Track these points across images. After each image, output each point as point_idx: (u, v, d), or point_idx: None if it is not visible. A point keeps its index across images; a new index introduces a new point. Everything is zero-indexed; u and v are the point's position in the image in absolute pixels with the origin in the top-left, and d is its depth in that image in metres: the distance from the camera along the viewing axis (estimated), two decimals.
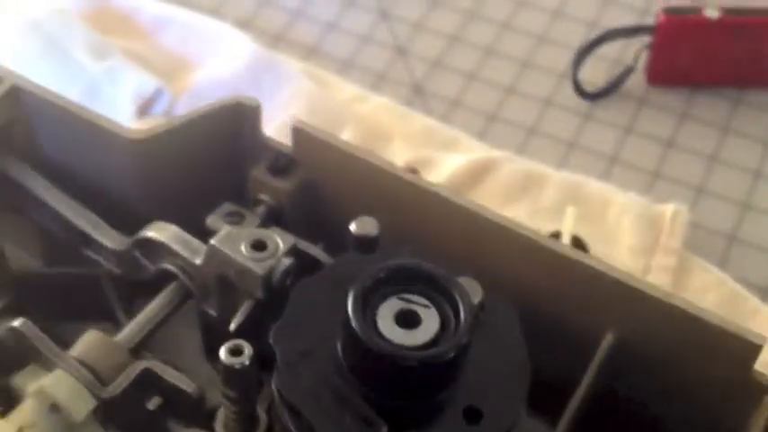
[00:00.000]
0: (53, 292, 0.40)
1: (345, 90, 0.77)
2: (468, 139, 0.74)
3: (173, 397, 0.38)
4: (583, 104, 0.76)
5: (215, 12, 0.83)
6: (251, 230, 0.39)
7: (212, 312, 0.41)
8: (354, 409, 0.34)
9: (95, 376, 0.37)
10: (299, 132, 0.43)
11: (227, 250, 0.38)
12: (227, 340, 0.37)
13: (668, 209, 0.68)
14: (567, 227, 0.64)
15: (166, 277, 0.42)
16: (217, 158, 0.45)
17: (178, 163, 0.44)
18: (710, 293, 0.64)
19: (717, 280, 0.65)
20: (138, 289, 0.44)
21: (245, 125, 0.44)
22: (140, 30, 0.83)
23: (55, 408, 0.36)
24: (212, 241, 0.39)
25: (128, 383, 0.37)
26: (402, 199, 0.41)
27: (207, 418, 0.41)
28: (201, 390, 0.37)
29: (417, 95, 0.78)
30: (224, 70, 0.78)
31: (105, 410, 0.37)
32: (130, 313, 0.43)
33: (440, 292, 0.35)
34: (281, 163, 0.44)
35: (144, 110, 0.73)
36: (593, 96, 0.76)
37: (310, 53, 0.81)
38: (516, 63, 0.79)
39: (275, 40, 0.82)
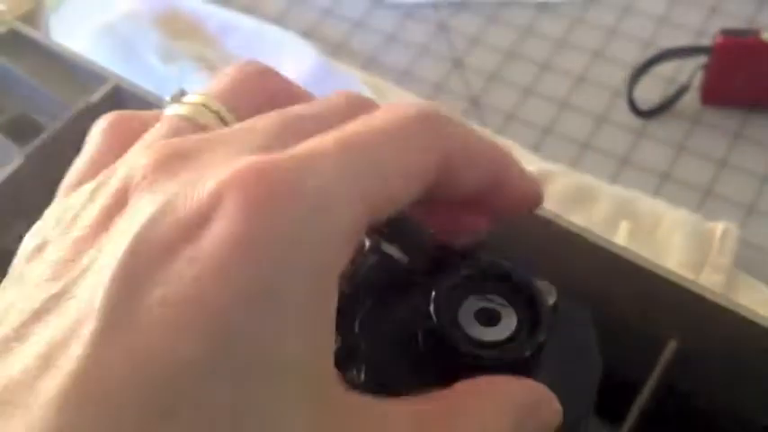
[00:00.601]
0: None
1: (404, 100, 0.80)
2: (523, 151, 0.76)
3: None
4: (636, 121, 0.78)
5: (279, 20, 0.86)
6: None
7: None
8: None
9: None
10: None
11: None
12: None
13: (718, 227, 0.70)
14: (621, 241, 0.66)
15: None
16: None
17: None
18: (758, 311, 0.65)
19: (765, 298, 0.66)
20: None
21: None
22: (208, 35, 0.86)
23: None
24: None
25: None
26: None
27: None
28: None
29: (473, 107, 0.80)
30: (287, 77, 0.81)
31: None
32: None
33: (517, 293, 0.37)
34: None
35: None
36: (647, 114, 0.78)
37: (370, 63, 0.84)
38: (572, 78, 0.81)
39: (336, 49, 0.85)
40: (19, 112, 0.48)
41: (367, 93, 0.78)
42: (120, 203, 0.24)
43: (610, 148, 0.77)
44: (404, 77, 0.82)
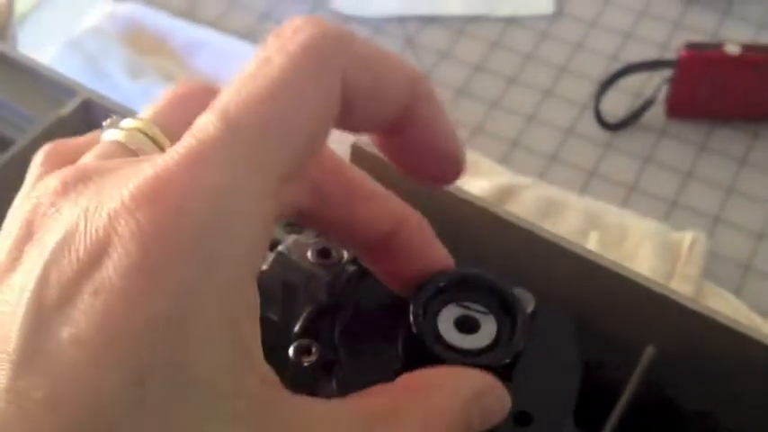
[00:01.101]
0: None
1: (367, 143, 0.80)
2: (490, 163, 0.76)
3: None
4: (604, 134, 0.79)
5: (247, 36, 0.86)
6: (316, 239, 0.41)
7: (274, 317, 0.43)
8: None
9: None
10: (357, 150, 0.46)
11: (294, 257, 0.40)
12: (287, 345, 0.38)
13: (686, 237, 0.70)
14: None
15: None
16: None
17: None
18: None
19: (732, 308, 0.67)
20: None
21: None
22: (174, 52, 0.86)
23: None
24: (280, 248, 0.41)
25: None
26: (454, 215, 0.43)
27: None
28: None
29: None
30: None
31: None
32: None
33: (496, 301, 0.38)
34: None
35: None
36: (614, 127, 0.78)
37: None
38: (539, 92, 0.82)
39: None
40: None
41: None
42: (29, 232, 0.24)
43: (577, 160, 0.77)
44: None
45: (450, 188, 0.44)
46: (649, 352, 0.41)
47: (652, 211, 0.73)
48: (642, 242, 0.71)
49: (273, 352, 0.43)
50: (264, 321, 0.44)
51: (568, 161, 0.77)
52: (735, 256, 0.72)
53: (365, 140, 0.47)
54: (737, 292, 0.69)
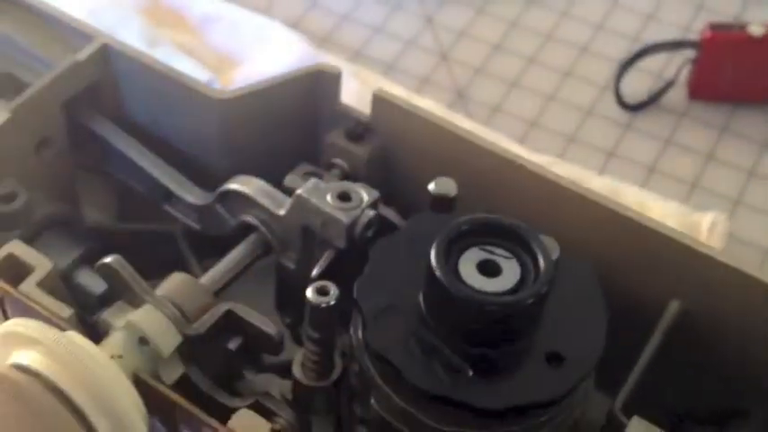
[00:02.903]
0: (126, 248, 0.41)
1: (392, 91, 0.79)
2: (509, 142, 0.75)
3: (252, 339, 0.39)
4: (624, 115, 0.77)
5: (265, 12, 0.85)
6: (337, 183, 0.40)
7: (290, 265, 0.42)
8: (440, 356, 0.35)
9: (181, 314, 0.38)
10: (379, 100, 0.45)
11: (314, 199, 0.39)
12: (302, 293, 0.38)
13: (707, 217, 0.69)
14: None
15: (242, 234, 0.43)
16: (295, 122, 0.46)
17: (259, 124, 0.46)
18: None
19: None
20: (210, 247, 0.45)
21: (326, 92, 0.46)
22: (190, 24, 0.85)
23: (143, 341, 0.37)
24: (299, 191, 0.40)
25: (212, 322, 0.38)
26: (479, 165, 0.42)
27: (277, 370, 0.42)
28: (281, 333, 0.38)
29: (460, 100, 0.79)
30: (272, 67, 0.80)
31: (188, 348, 0.38)
32: (204, 268, 0.44)
33: (520, 246, 0.37)
34: (359, 130, 0.45)
35: None
36: (634, 108, 0.77)
37: (356, 56, 0.83)
38: (558, 72, 0.81)
39: (322, 41, 0.84)
40: (4, 71, 0.47)
41: (354, 85, 0.77)
42: None
43: (597, 141, 0.76)
44: (390, 70, 0.82)
45: (475, 139, 0.43)
46: (674, 307, 0.40)
47: (672, 193, 0.72)
48: (662, 222, 0.70)
49: (290, 300, 0.42)
50: (281, 268, 0.44)
51: (588, 142, 0.76)
52: (755, 239, 0.71)
53: (383, 84, 0.46)
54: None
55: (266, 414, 0.37)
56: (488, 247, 0.37)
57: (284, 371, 0.40)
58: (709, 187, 0.73)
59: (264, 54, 0.81)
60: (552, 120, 0.78)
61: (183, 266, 0.45)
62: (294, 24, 0.84)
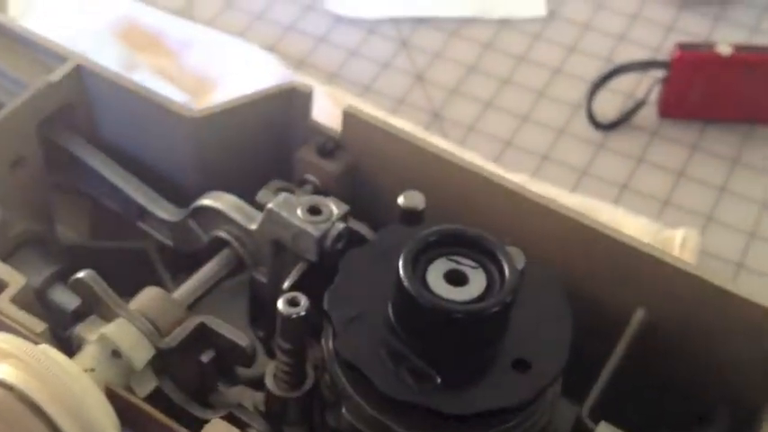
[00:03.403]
0: (100, 266, 0.42)
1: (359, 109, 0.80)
2: (484, 161, 0.76)
3: (225, 352, 0.39)
4: (596, 134, 0.78)
5: (241, 35, 0.86)
6: (307, 197, 0.41)
7: (262, 279, 0.43)
8: (409, 364, 0.36)
9: (154, 328, 0.38)
10: (349, 116, 0.46)
11: (284, 213, 0.40)
12: (274, 306, 0.38)
13: (678, 233, 0.70)
14: None
15: (215, 249, 0.44)
16: (268, 139, 0.47)
17: (232, 141, 0.46)
18: None
19: None
20: (183, 263, 0.46)
21: (297, 109, 0.46)
22: (167, 48, 0.86)
23: (116, 354, 0.38)
24: (270, 205, 0.41)
25: (185, 335, 0.39)
26: (446, 178, 0.43)
27: (250, 382, 0.42)
28: (253, 344, 0.39)
29: (435, 121, 0.80)
30: (249, 89, 0.80)
31: (161, 361, 0.39)
32: (177, 284, 0.44)
33: (486, 256, 0.38)
34: (329, 146, 0.46)
35: None
36: (606, 127, 0.78)
37: (332, 78, 0.84)
38: (532, 93, 0.82)
39: (299, 64, 0.85)
40: None
41: (329, 107, 0.78)
42: None
43: (570, 159, 0.77)
44: (366, 92, 0.82)
45: (444, 154, 0.44)
46: (639, 315, 0.41)
47: (644, 211, 0.73)
48: (627, 233, 0.71)
49: (263, 313, 0.43)
50: (254, 282, 0.44)
51: (561, 161, 0.77)
52: (727, 255, 0.71)
53: (358, 104, 0.47)
54: None
55: (240, 425, 0.37)
56: (455, 257, 0.37)
57: (257, 383, 0.41)
58: (681, 204, 0.74)
59: (241, 77, 0.82)
60: (526, 139, 0.79)
61: (156, 283, 0.45)
62: (270, 48, 0.85)
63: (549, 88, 0.82)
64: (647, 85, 0.78)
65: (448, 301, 0.36)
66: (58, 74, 0.46)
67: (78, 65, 0.46)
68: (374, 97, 0.82)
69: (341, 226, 0.40)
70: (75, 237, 0.49)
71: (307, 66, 0.85)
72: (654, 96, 0.78)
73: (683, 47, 0.76)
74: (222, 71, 0.84)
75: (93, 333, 0.38)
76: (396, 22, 0.87)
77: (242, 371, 0.41)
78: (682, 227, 0.71)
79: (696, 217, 0.73)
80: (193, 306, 0.41)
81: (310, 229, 0.40)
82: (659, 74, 0.77)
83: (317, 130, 0.47)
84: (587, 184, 0.76)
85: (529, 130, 0.80)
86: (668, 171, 0.76)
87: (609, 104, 0.79)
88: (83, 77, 0.47)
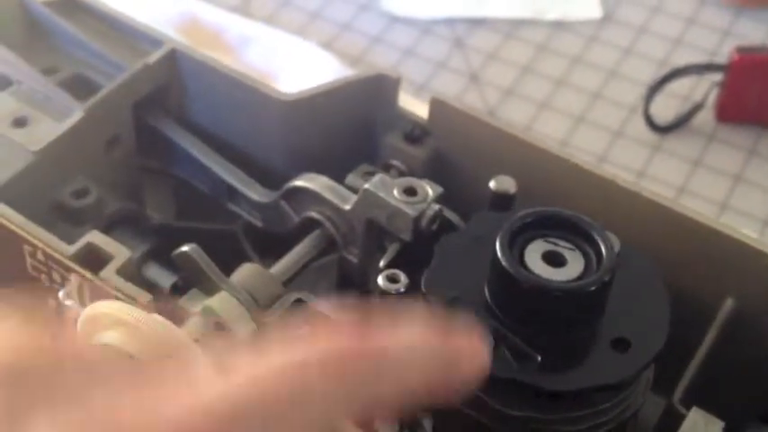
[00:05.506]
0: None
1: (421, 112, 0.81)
2: None
3: None
4: (653, 137, 0.79)
5: (298, 34, 0.87)
6: (402, 178, 0.42)
7: (353, 259, 0.43)
8: (509, 344, 0.37)
9: (255, 302, 0.39)
10: (436, 103, 0.46)
11: (381, 193, 0.41)
12: (363, 288, 0.39)
13: None
14: None
15: (304, 231, 0.45)
16: (354, 125, 0.48)
17: (320, 126, 0.47)
18: None
19: None
20: (267, 245, 0.47)
21: (385, 96, 0.47)
22: (227, 45, 0.87)
23: (219, 326, 0.38)
24: (367, 185, 0.41)
25: (283, 310, 0.39)
26: (534, 165, 0.44)
27: None
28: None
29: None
30: (307, 86, 0.81)
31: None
32: (265, 266, 0.45)
33: (583, 238, 0.38)
34: (417, 132, 0.47)
35: None
36: (663, 129, 0.79)
37: None
38: (587, 95, 0.83)
39: (354, 63, 0.86)
40: (76, 72, 0.49)
41: None
42: None
43: (626, 162, 0.78)
44: (421, 91, 0.83)
45: (532, 140, 0.45)
46: (729, 304, 0.41)
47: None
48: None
49: (350, 293, 0.44)
50: (343, 262, 0.45)
51: (617, 162, 0.78)
52: None
53: (444, 93, 0.48)
54: None
55: None
56: (552, 239, 0.38)
57: None
58: (738, 208, 0.75)
59: (299, 74, 0.83)
60: (582, 140, 0.79)
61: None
62: (326, 46, 0.86)
63: (605, 90, 0.83)
64: (703, 89, 0.79)
65: (548, 280, 0.36)
66: (154, 56, 0.47)
67: (173, 48, 0.47)
68: (429, 97, 0.82)
69: (436, 207, 0.41)
70: (162, 218, 0.50)
71: (362, 64, 0.85)
72: (711, 100, 0.79)
73: (741, 50, 0.76)
74: (281, 68, 0.85)
75: (196, 306, 0.39)
76: (450, 22, 0.88)
77: None
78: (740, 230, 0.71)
79: (754, 221, 0.74)
80: (286, 284, 0.42)
81: (407, 209, 0.40)
82: (716, 77, 0.78)
83: (404, 116, 0.48)
84: (644, 185, 0.76)
85: (585, 132, 0.80)
86: (725, 175, 0.77)
87: (666, 107, 0.80)
88: (177, 60, 0.48)
